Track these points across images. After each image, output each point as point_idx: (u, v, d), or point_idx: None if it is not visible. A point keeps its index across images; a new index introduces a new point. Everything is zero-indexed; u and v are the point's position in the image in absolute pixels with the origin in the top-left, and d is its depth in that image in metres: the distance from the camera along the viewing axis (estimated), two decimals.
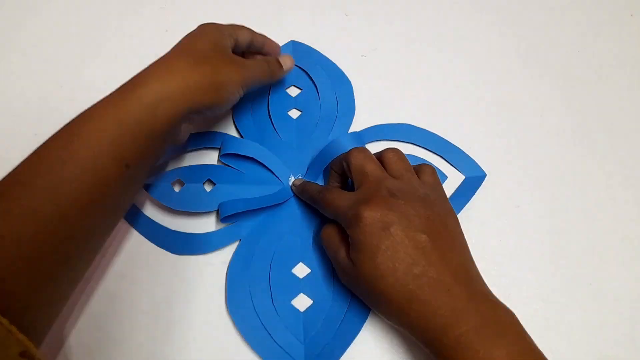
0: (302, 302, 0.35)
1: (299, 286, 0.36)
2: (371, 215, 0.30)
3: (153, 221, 0.38)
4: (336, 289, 0.35)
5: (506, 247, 0.38)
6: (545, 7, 0.50)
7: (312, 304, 0.35)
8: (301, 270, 0.36)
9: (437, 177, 0.34)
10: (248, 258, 0.36)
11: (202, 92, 0.32)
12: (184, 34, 0.46)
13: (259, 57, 0.40)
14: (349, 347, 0.34)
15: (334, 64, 0.45)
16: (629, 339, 0.36)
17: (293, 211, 0.38)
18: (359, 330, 0.34)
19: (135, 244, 0.37)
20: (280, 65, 0.39)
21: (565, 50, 0.48)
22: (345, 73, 0.45)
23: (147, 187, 0.38)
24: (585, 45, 0.48)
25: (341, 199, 0.32)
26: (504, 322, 0.28)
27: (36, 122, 0.41)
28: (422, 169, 0.35)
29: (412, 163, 0.37)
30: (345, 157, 0.34)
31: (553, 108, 0.44)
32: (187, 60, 0.32)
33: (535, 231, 0.39)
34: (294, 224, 0.38)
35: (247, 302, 0.35)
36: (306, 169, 0.40)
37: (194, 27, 0.47)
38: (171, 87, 0.30)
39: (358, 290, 0.32)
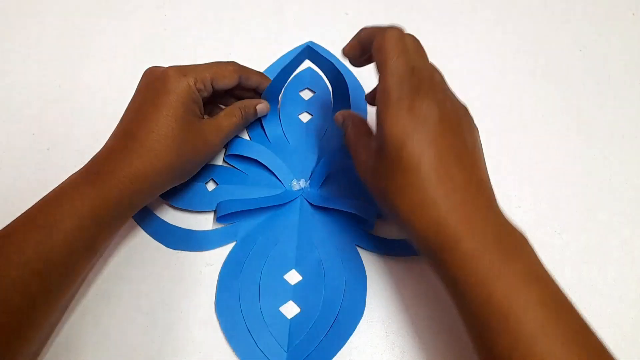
0: (290, 309, 0.35)
1: (289, 293, 0.35)
2: (413, 106, 0.27)
3: (152, 212, 0.38)
4: (326, 299, 0.35)
5: None
6: (546, 7, 0.49)
7: (299, 312, 0.34)
8: (293, 276, 0.36)
9: None
10: (241, 260, 0.36)
11: (174, 176, 0.34)
12: (183, 34, 0.47)
13: (230, 107, 0.38)
14: None
15: (350, 71, 0.44)
16: (632, 340, 0.35)
17: (292, 217, 0.38)
18: (343, 344, 0.33)
19: (134, 243, 0.37)
20: (255, 113, 0.39)
21: (567, 49, 0.47)
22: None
23: None
24: (587, 44, 0.47)
25: (398, 63, 0.28)
26: (518, 239, 0.27)
27: (35, 121, 0.42)
28: None
29: None
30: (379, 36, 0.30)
31: (555, 107, 0.44)
32: (153, 144, 0.32)
33: (537, 231, 0.38)
34: (291, 230, 0.37)
35: (235, 304, 0.34)
36: (310, 174, 0.39)
37: (192, 27, 0.47)
38: (147, 175, 0.31)
39: (375, 185, 0.30)
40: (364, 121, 0.35)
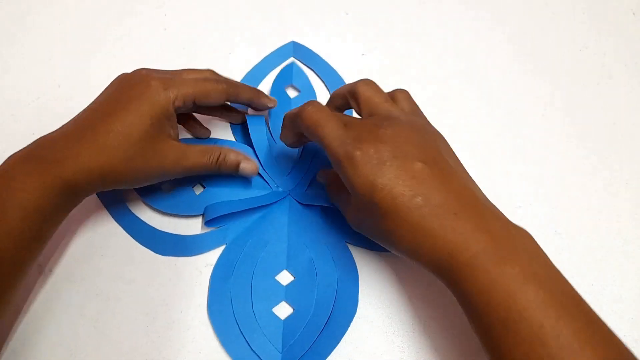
0: (283, 310, 0.35)
1: (282, 294, 0.35)
2: (363, 154, 0.28)
3: (139, 219, 0.38)
4: (319, 298, 0.34)
5: None
6: (547, 7, 0.50)
7: (292, 313, 0.34)
8: (285, 277, 0.36)
9: (413, 101, 0.33)
10: (232, 263, 0.36)
11: (117, 181, 0.32)
12: (183, 34, 0.47)
13: (211, 147, 0.36)
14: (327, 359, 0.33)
15: (334, 69, 0.45)
16: (632, 339, 0.34)
17: (281, 217, 0.38)
18: (338, 342, 0.33)
19: (132, 243, 0.37)
20: (236, 167, 0.37)
21: (568, 49, 0.47)
22: (345, 71, 0.45)
23: (138, 188, 0.38)
24: (587, 44, 0.48)
25: (331, 127, 0.30)
26: (516, 239, 0.26)
27: (34, 121, 0.42)
28: (396, 95, 0.33)
29: None
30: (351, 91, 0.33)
31: (555, 108, 0.44)
32: (107, 143, 0.30)
33: (537, 232, 0.37)
34: (281, 230, 0.37)
35: (227, 307, 0.34)
36: (297, 173, 0.39)
37: (192, 26, 0.47)
38: (91, 171, 0.30)
39: (368, 232, 0.31)
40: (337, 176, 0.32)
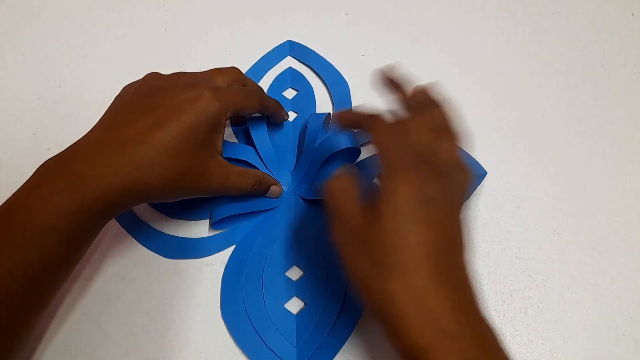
0: (295, 305, 0.35)
1: (293, 289, 0.35)
2: (413, 184, 0.25)
3: (147, 224, 0.38)
4: (329, 290, 0.35)
5: (507, 247, 0.37)
6: (546, 7, 0.50)
7: (305, 307, 0.35)
8: (295, 272, 0.36)
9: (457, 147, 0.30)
10: (242, 262, 0.36)
11: (158, 196, 0.30)
12: (183, 34, 0.47)
13: (248, 170, 0.35)
14: (341, 349, 0.33)
15: (331, 64, 0.45)
16: (631, 339, 0.34)
17: (288, 215, 0.38)
18: (351, 332, 0.34)
19: (134, 242, 0.37)
20: (266, 191, 0.37)
21: (567, 49, 0.47)
22: (345, 72, 0.45)
23: None
24: (587, 44, 0.47)
25: (393, 142, 0.27)
26: (492, 345, 0.24)
27: (35, 122, 0.42)
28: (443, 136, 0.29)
29: None
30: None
31: (555, 107, 0.44)
32: (155, 158, 0.28)
33: (536, 231, 0.38)
34: (288, 227, 0.37)
35: (240, 305, 0.34)
36: (300, 171, 0.39)
37: (193, 27, 0.47)
38: (136, 189, 0.28)
39: (358, 255, 0.26)
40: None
